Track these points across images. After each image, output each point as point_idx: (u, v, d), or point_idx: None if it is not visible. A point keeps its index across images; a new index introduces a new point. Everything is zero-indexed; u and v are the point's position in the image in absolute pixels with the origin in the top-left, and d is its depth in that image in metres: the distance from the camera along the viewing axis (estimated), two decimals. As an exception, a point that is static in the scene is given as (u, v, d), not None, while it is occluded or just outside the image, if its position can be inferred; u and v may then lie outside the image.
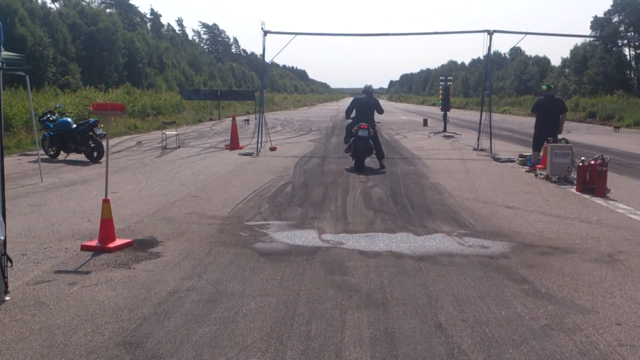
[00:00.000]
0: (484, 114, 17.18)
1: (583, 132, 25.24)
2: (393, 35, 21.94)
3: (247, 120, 30.24)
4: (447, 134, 23.76)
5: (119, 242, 5.94)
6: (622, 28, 56.88)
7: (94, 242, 5.92)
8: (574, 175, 11.10)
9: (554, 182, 11.05)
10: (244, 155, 15.23)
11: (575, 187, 10.25)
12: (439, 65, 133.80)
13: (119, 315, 4.21)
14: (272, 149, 16.57)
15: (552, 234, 6.96)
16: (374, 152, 12.98)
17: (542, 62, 75.73)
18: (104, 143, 13.10)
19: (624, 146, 19.10)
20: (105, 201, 5.91)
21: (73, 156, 13.73)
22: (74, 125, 13.29)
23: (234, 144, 16.94)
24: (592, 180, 9.82)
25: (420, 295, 4.76)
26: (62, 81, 42.27)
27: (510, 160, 14.53)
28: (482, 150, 16.86)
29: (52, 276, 5.11)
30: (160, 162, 13.49)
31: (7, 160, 12.83)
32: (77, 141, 13.06)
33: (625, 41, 56.48)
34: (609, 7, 58.26)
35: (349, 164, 13.36)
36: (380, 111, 13.71)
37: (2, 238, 4.45)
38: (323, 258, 5.78)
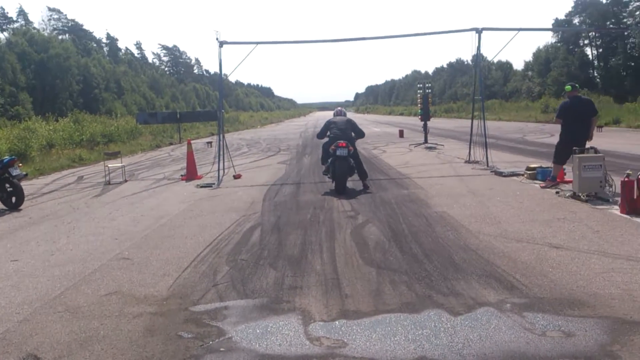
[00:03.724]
0: (475, 122, 15.10)
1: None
2: (370, 40, 19.80)
3: (210, 142, 27.43)
4: (429, 145, 21.73)
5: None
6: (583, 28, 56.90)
7: None
8: (607, 191, 9.04)
9: (585, 201, 8.92)
10: (202, 187, 12.70)
11: (619, 208, 8.10)
12: (404, 76, 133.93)
13: None
14: (237, 176, 14.10)
15: (647, 294, 4.71)
16: (356, 171, 11.50)
17: (504, 67, 76.63)
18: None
19: (622, 147, 17.38)
20: None
21: (-13, 204, 11.00)
22: (-16, 166, 10.54)
23: (191, 174, 14.40)
24: (644, 200, 7.71)
25: None
26: (11, 112, 39.27)
27: (515, 174, 12.38)
28: (476, 162, 14.82)
29: None
30: (96, 204, 10.88)
31: None
32: (-12, 185, 10.37)
33: (587, 41, 56.65)
34: (570, 9, 58.37)
35: (328, 187, 11.52)
36: (360, 133, 12.01)
37: None
38: (317, 388, 3.38)
